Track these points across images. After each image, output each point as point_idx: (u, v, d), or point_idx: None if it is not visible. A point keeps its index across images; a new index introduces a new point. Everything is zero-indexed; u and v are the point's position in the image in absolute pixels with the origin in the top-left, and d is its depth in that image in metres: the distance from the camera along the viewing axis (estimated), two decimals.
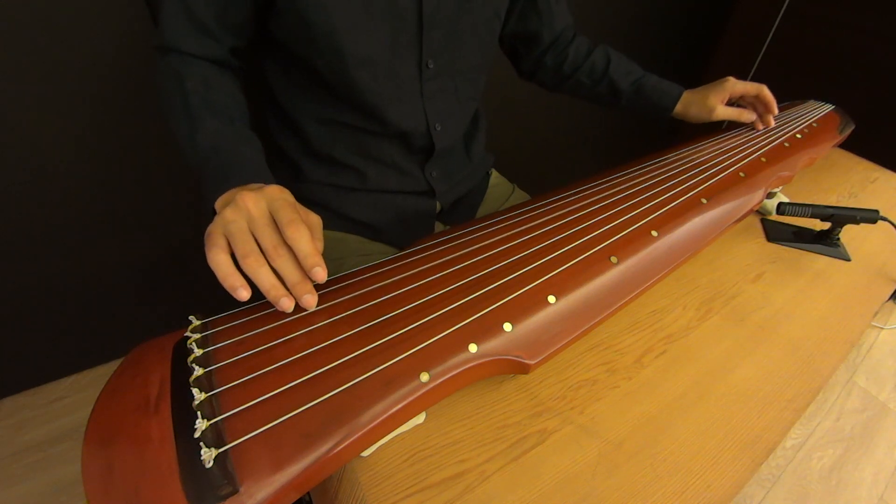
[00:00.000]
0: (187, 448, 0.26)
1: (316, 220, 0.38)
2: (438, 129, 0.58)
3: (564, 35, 0.69)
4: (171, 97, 0.45)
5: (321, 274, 0.33)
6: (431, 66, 0.54)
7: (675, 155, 0.62)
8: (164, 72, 0.46)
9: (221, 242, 0.33)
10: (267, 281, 0.32)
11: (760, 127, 0.67)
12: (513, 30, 0.67)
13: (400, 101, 0.54)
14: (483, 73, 0.63)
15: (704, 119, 0.66)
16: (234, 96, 0.48)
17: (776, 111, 0.66)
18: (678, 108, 0.68)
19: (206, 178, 0.40)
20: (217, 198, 0.39)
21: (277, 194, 0.36)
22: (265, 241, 0.33)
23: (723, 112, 0.65)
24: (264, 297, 0.34)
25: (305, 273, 0.34)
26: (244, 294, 0.32)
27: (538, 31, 0.67)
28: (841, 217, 0.57)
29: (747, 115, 0.67)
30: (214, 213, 0.39)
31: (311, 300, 0.34)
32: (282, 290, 0.33)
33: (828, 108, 0.79)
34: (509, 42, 0.70)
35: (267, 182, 0.39)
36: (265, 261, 0.33)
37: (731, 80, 0.65)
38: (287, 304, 0.33)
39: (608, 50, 0.70)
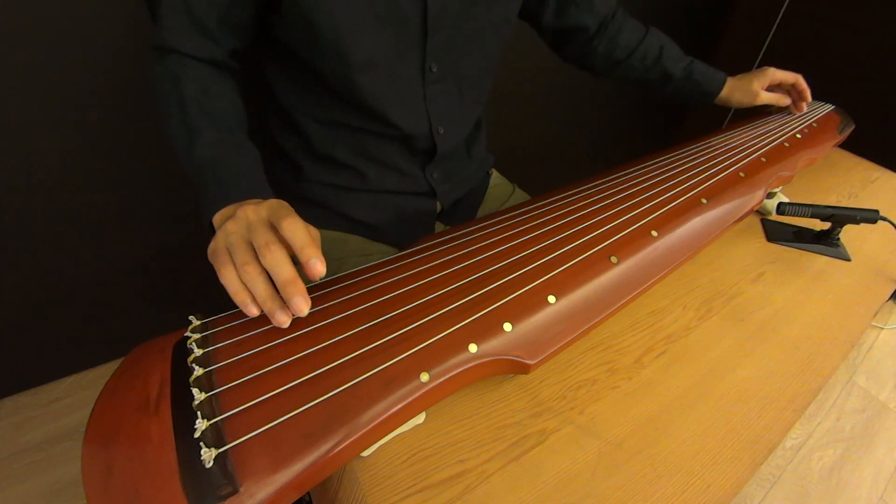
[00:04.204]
0: (187, 448, 0.26)
1: (315, 232, 0.36)
2: (441, 132, 0.58)
3: (615, 17, 0.68)
4: (169, 103, 0.44)
5: (319, 267, 0.32)
6: (434, 69, 0.53)
7: (675, 155, 0.61)
8: (162, 74, 0.45)
9: (228, 258, 0.33)
10: (263, 292, 0.32)
11: (796, 112, 0.74)
12: (552, 25, 0.66)
13: (402, 104, 0.54)
14: (489, 77, 0.62)
15: (747, 104, 0.72)
16: (233, 102, 0.47)
17: (809, 99, 0.73)
18: (723, 92, 0.71)
19: (203, 192, 0.40)
20: (214, 213, 0.38)
21: (276, 206, 0.35)
22: (258, 239, 0.32)
23: (765, 97, 0.71)
24: None
25: (298, 274, 0.32)
26: (254, 311, 0.32)
27: (582, 22, 0.66)
28: (841, 217, 0.57)
29: (786, 100, 0.73)
30: (211, 226, 0.38)
31: (301, 304, 0.31)
32: (278, 303, 0.32)
33: (828, 108, 0.79)
34: (551, 36, 0.70)
35: (265, 197, 0.39)
36: (263, 270, 0.32)
37: (772, 69, 0.71)
38: (283, 319, 0.32)
39: (659, 35, 0.71)
